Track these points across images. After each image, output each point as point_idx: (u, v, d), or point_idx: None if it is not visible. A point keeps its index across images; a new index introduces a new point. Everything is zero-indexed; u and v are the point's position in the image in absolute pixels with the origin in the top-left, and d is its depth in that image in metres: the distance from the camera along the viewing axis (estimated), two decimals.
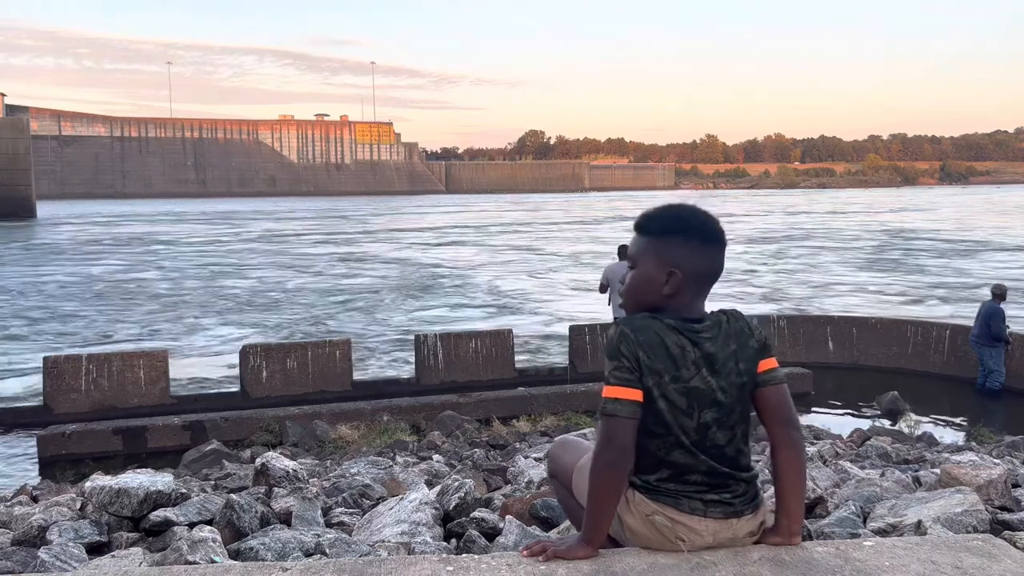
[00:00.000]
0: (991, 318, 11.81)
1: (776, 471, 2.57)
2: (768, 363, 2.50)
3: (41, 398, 10.88)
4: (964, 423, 10.78)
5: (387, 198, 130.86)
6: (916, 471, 5.56)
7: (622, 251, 12.56)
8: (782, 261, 33.23)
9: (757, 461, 5.97)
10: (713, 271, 2.51)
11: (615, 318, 11.59)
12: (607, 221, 64.44)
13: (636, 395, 2.38)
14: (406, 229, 55.54)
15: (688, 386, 2.40)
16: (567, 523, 3.57)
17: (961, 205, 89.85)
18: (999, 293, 12.02)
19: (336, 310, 21.67)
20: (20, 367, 14.86)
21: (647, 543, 2.49)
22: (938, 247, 38.58)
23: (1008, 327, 12.00)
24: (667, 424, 2.41)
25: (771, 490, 2.65)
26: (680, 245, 2.46)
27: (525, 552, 2.49)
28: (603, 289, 12.68)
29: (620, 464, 2.39)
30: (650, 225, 2.53)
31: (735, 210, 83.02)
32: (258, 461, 5.76)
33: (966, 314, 16.56)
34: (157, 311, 21.57)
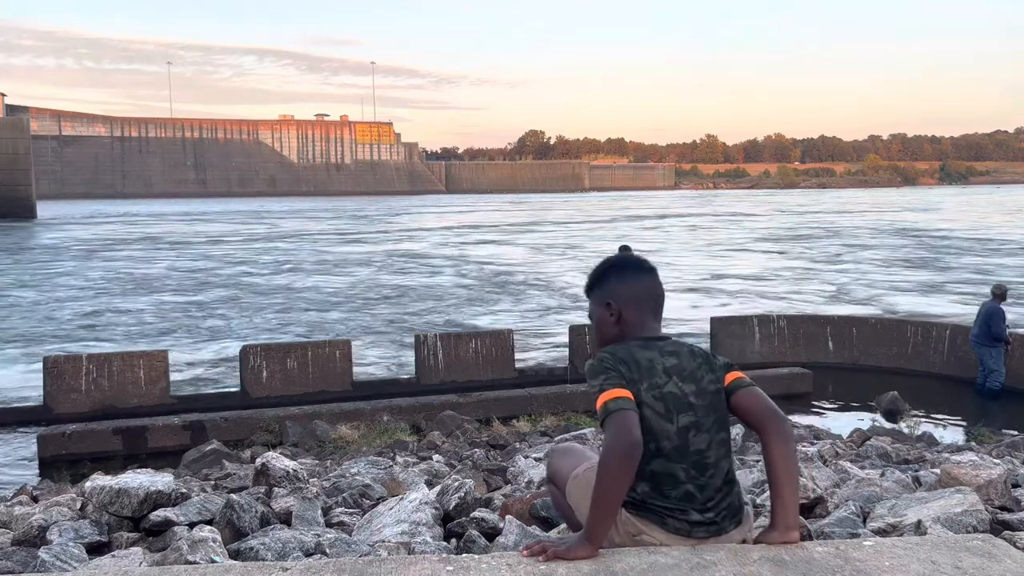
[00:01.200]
0: (991, 318, 11.78)
1: (767, 462, 2.66)
2: (735, 375, 2.73)
3: (41, 398, 10.89)
4: (964, 423, 10.77)
5: (387, 198, 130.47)
6: (916, 471, 5.55)
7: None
8: (834, 259, 32.63)
9: (757, 461, 5.97)
10: (651, 294, 2.85)
11: None
12: (622, 220, 63.92)
13: (630, 395, 2.55)
14: (429, 228, 55.24)
15: (663, 391, 2.59)
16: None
17: (965, 205, 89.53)
18: (999, 293, 11.98)
19: (456, 304, 21.64)
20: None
21: None
22: (975, 247, 37.92)
23: (1008, 327, 11.99)
24: (651, 430, 2.55)
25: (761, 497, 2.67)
26: (613, 281, 2.85)
27: (525, 552, 2.50)
28: None
29: (632, 456, 2.47)
30: (590, 282, 2.95)
31: (744, 210, 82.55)
32: (258, 461, 5.75)
33: None
34: (288, 307, 21.57)
